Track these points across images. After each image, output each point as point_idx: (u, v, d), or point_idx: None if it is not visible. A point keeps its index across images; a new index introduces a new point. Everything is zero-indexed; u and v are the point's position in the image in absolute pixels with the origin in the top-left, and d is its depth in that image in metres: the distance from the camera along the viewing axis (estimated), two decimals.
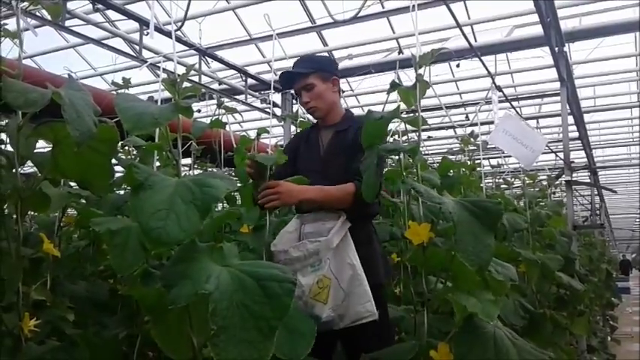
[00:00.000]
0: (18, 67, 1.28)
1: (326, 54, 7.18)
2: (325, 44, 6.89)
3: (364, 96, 8.68)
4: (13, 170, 1.34)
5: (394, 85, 1.65)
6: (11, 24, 1.56)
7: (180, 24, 4.69)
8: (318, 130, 2.26)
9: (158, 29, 4.67)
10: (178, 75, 1.23)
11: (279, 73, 2.26)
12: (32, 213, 2.14)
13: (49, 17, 4.31)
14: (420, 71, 1.61)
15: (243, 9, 6.09)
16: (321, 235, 1.90)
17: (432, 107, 7.80)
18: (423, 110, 1.64)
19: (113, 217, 1.83)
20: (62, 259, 2.29)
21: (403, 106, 1.69)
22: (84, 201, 2.11)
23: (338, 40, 6.92)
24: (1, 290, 1.27)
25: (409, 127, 1.82)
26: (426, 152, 9.44)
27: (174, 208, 0.94)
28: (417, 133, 1.71)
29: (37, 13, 4.18)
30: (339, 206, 1.97)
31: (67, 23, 4.50)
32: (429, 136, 9.58)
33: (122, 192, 2.39)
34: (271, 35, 5.44)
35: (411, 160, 1.68)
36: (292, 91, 2.55)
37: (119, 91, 2.67)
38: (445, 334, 1.47)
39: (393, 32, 6.63)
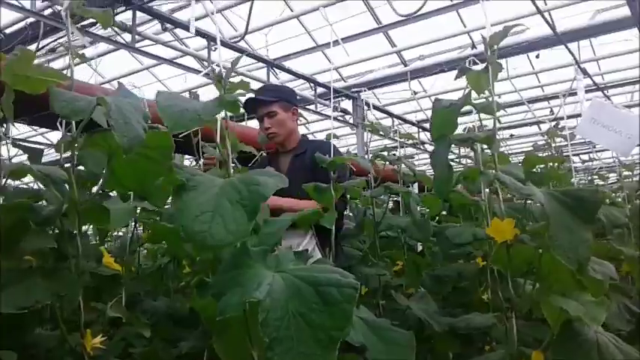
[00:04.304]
0: (69, 79, 1.25)
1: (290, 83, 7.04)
2: (393, 45, 6.74)
3: (438, 96, 8.43)
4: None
5: (463, 70, 1.50)
6: (88, 51, 1.57)
7: (239, 37, 4.74)
8: (277, 157, 2.50)
9: (226, 44, 4.73)
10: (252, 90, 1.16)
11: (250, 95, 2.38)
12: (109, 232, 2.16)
13: (122, 41, 4.47)
14: (492, 51, 1.45)
15: (308, 16, 6.02)
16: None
17: (513, 103, 7.46)
18: (504, 106, 1.48)
19: None
20: (142, 275, 2.31)
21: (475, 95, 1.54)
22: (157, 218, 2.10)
23: (406, 40, 6.75)
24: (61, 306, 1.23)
25: (484, 120, 1.67)
26: (510, 151, 9.03)
27: (219, 209, 0.86)
28: (493, 122, 1.55)
29: (112, 38, 4.34)
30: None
31: (139, 45, 4.64)
32: (511, 135, 9.18)
33: None
34: (337, 41, 5.40)
35: (489, 153, 1.54)
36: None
37: None
38: (539, 342, 1.33)
39: (464, 27, 6.37)
